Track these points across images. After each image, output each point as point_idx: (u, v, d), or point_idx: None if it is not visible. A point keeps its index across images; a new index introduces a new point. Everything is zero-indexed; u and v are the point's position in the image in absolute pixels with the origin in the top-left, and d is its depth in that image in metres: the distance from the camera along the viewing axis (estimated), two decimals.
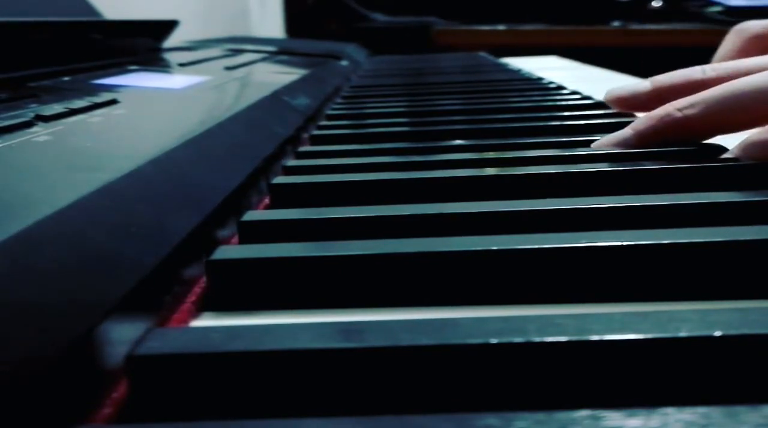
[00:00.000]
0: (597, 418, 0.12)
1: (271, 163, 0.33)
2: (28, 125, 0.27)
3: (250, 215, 0.24)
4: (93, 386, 0.14)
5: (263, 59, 0.78)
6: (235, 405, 0.14)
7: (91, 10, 0.68)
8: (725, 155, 0.30)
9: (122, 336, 0.15)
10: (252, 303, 0.19)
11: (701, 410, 0.12)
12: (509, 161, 0.31)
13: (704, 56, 0.41)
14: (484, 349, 0.14)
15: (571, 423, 0.12)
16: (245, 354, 0.14)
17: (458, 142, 0.37)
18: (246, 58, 0.75)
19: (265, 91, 0.47)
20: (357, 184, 0.28)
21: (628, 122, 0.34)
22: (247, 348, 0.14)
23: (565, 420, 0.12)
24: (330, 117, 0.50)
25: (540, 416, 0.12)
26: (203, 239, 0.22)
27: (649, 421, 0.11)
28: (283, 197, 0.29)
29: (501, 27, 1.88)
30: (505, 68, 0.87)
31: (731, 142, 0.30)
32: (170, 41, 0.80)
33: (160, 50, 0.76)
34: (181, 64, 0.61)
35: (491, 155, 0.33)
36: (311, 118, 0.48)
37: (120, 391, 0.14)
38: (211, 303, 0.19)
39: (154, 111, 0.36)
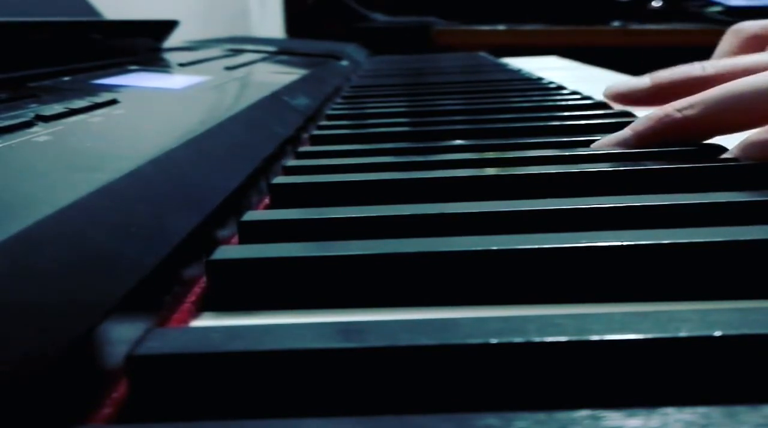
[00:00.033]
0: (597, 418, 0.12)
1: (271, 163, 0.33)
2: (28, 125, 0.27)
3: (250, 215, 0.24)
4: (93, 386, 0.14)
5: (263, 59, 0.78)
6: (235, 405, 0.14)
7: (91, 10, 0.68)
8: (725, 155, 0.30)
9: (122, 335, 0.15)
10: (252, 303, 0.19)
11: (701, 410, 0.12)
12: (509, 161, 0.31)
13: (704, 56, 0.41)
14: (484, 349, 0.14)
15: (571, 423, 0.12)
16: (245, 354, 0.14)
17: (458, 142, 0.37)
18: (246, 58, 0.75)
19: (265, 92, 0.47)
20: (357, 184, 0.28)
21: (628, 123, 0.34)
22: (247, 348, 0.14)
23: (565, 420, 0.12)
24: (330, 117, 0.50)
25: (540, 416, 0.12)
26: (203, 239, 0.22)
27: (649, 421, 0.11)
28: (283, 197, 0.29)
29: (501, 27, 1.88)
30: (505, 68, 0.87)
31: (731, 142, 0.30)
32: (170, 41, 0.80)
33: (160, 50, 0.76)
34: (181, 64, 0.61)
35: (491, 155, 0.33)
36: (311, 118, 0.48)
37: (120, 391, 0.14)
38: (211, 303, 0.20)
39: (154, 111, 0.36)
